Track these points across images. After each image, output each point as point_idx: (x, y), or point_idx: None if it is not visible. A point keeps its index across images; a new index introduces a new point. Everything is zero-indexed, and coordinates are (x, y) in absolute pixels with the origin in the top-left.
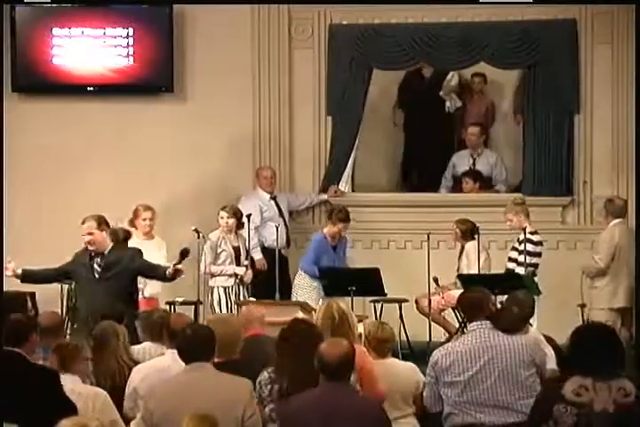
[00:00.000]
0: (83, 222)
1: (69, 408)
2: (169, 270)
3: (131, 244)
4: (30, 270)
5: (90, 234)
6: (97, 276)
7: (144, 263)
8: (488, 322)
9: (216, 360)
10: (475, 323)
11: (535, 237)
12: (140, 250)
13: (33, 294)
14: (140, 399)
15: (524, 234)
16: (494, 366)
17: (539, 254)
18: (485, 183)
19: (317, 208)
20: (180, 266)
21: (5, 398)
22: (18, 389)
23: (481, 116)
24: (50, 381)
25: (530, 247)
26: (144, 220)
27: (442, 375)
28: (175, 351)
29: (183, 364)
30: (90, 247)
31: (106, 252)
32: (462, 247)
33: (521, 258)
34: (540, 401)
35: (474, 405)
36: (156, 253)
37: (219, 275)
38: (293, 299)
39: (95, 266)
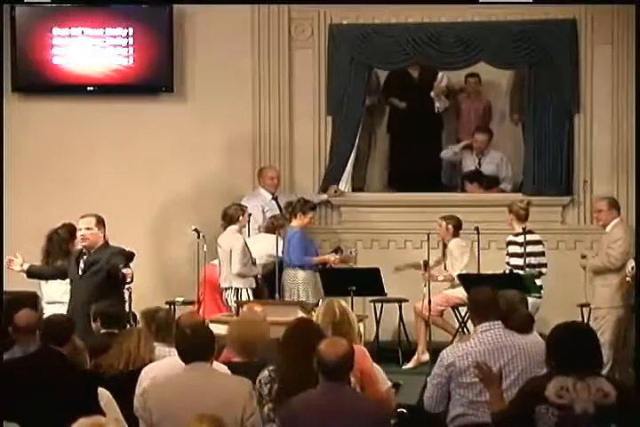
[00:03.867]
0: (81, 217)
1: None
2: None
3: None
4: (37, 266)
5: (87, 229)
6: (80, 273)
7: (112, 265)
8: (500, 322)
9: (235, 360)
10: (487, 323)
11: (519, 239)
12: (121, 251)
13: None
14: None
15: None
16: (514, 367)
17: (520, 255)
18: (490, 183)
19: (318, 208)
20: (125, 270)
21: (40, 396)
22: (55, 388)
23: (479, 118)
24: (89, 385)
25: (514, 249)
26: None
27: (459, 376)
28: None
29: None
30: (82, 243)
31: (92, 251)
32: (444, 245)
33: (512, 260)
34: (522, 399)
35: None
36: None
37: (249, 276)
38: (294, 297)
39: (81, 264)
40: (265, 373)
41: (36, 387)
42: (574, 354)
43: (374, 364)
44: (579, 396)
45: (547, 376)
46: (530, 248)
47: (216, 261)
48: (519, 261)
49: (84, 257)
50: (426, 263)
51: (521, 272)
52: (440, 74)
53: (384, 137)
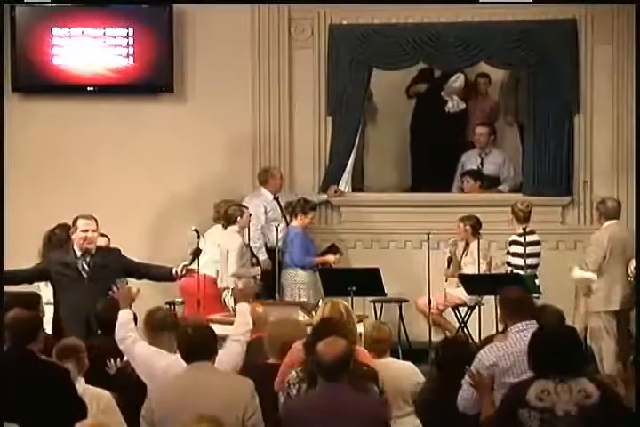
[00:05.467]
0: (82, 218)
1: (81, 407)
2: (176, 270)
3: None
4: (9, 272)
5: (94, 231)
6: (85, 276)
7: (132, 263)
8: (534, 321)
9: (271, 362)
10: (523, 322)
11: (522, 239)
12: (120, 251)
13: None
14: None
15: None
16: None
17: (520, 255)
18: (490, 183)
19: (318, 208)
20: (192, 266)
21: (16, 396)
22: (29, 387)
23: (485, 117)
24: (62, 378)
25: (515, 249)
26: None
27: (502, 377)
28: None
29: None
30: (87, 245)
31: (93, 252)
32: (467, 244)
33: (513, 260)
34: (505, 404)
35: None
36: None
37: (246, 277)
38: (295, 297)
39: (84, 266)
40: (293, 373)
41: (10, 387)
42: (554, 356)
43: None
44: (560, 398)
45: (528, 380)
46: (530, 249)
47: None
48: (520, 261)
49: (87, 259)
50: (450, 259)
51: (521, 272)
52: (456, 74)
53: (383, 135)
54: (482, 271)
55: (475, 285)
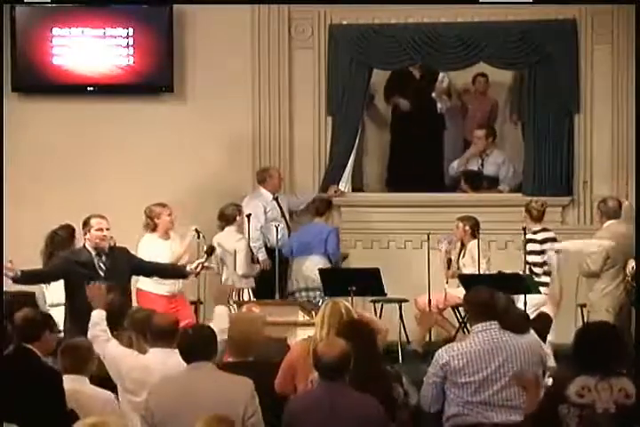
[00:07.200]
0: (95, 217)
1: (67, 415)
2: (190, 267)
3: (149, 246)
4: (29, 271)
5: (107, 229)
6: (102, 274)
7: (142, 260)
8: (496, 322)
9: (230, 360)
10: (483, 323)
11: (538, 236)
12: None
13: (33, 294)
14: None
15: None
16: (509, 367)
17: (538, 253)
18: (491, 183)
19: None
20: (207, 264)
21: (8, 394)
22: (21, 386)
23: (484, 117)
24: (54, 382)
25: (530, 247)
26: (169, 215)
27: (454, 376)
28: (157, 351)
29: (169, 364)
30: (102, 244)
31: (106, 250)
32: (462, 245)
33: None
34: (545, 401)
35: (487, 405)
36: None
37: (252, 276)
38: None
39: (100, 264)
40: None
41: (9, 387)
42: (597, 354)
43: None
44: (600, 395)
45: (569, 376)
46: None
47: (143, 286)
48: (537, 258)
49: (102, 258)
50: (449, 261)
51: (538, 270)
52: (441, 74)
53: (381, 136)
54: (481, 271)
55: (475, 285)
